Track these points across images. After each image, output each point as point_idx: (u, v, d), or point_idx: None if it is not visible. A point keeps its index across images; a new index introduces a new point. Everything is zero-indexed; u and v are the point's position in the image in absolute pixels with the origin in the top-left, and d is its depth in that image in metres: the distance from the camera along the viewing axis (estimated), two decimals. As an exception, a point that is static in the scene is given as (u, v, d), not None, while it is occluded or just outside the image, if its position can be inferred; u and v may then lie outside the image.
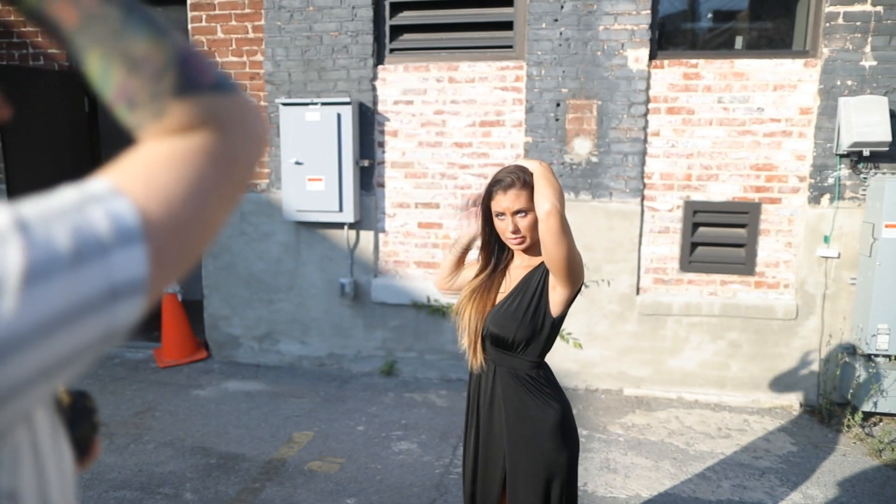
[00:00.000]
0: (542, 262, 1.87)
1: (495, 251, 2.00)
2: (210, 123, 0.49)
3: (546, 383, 1.92)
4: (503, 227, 1.87)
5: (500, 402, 1.92)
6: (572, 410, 1.96)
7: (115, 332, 0.44)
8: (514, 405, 1.89)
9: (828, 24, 3.84)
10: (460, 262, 2.12)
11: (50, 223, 0.41)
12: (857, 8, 3.80)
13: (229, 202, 0.51)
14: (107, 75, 0.47)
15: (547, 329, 1.87)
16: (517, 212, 1.83)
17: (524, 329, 1.85)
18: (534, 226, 1.83)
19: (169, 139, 0.48)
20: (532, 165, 1.81)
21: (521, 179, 1.83)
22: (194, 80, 0.49)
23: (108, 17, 0.47)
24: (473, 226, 2.05)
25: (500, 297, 1.95)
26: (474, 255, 2.11)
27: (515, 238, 1.87)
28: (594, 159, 4.17)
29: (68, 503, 0.54)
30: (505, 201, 1.83)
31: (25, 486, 0.47)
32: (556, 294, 1.83)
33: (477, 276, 2.03)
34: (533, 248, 1.92)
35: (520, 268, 1.96)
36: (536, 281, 1.87)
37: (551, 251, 1.71)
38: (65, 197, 0.43)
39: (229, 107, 0.50)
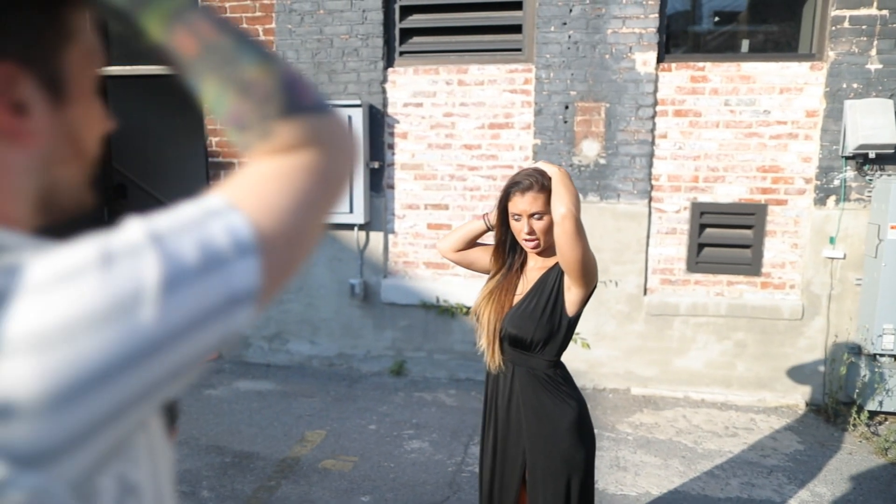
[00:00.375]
0: (557, 263, 1.91)
1: (509, 252, 2.04)
2: (312, 142, 0.53)
3: (563, 381, 1.97)
4: (518, 227, 1.92)
5: (519, 401, 1.96)
6: (588, 409, 2.01)
7: (229, 339, 0.49)
8: (533, 404, 1.94)
9: (834, 28, 3.89)
10: (473, 242, 2.13)
11: (178, 236, 0.45)
12: (863, 12, 3.84)
13: (327, 215, 0.55)
14: (221, 100, 0.52)
15: (564, 329, 1.92)
16: (533, 214, 1.88)
17: (542, 329, 1.89)
18: (548, 229, 1.88)
19: (275, 158, 0.52)
20: (551, 170, 1.85)
21: (538, 182, 1.87)
22: (298, 102, 0.53)
23: (222, 46, 0.52)
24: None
25: (517, 298, 1.99)
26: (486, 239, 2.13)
27: (530, 240, 1.91)
28: (602, 161, 4.21)
29: (173, 494, 0.58)
30: (522, 203, 1.88)
31: (145, 480, 0.51)
32: (571, 294, 1.88)
33: (493, 276, 2.07)
34: (547, 251, 1.96)
35: (535, 269, 2.00)
36: (552, 282, 1.92)
37: (566, 254, 1.76)
38: (187, 212, 0.48)
39: (328, 126, 0.54)
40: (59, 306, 0.41)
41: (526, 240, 1.92)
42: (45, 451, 0.40)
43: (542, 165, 1.91)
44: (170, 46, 0.51)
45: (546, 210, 1.86)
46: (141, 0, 0.50)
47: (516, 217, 1.91)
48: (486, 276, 2.12)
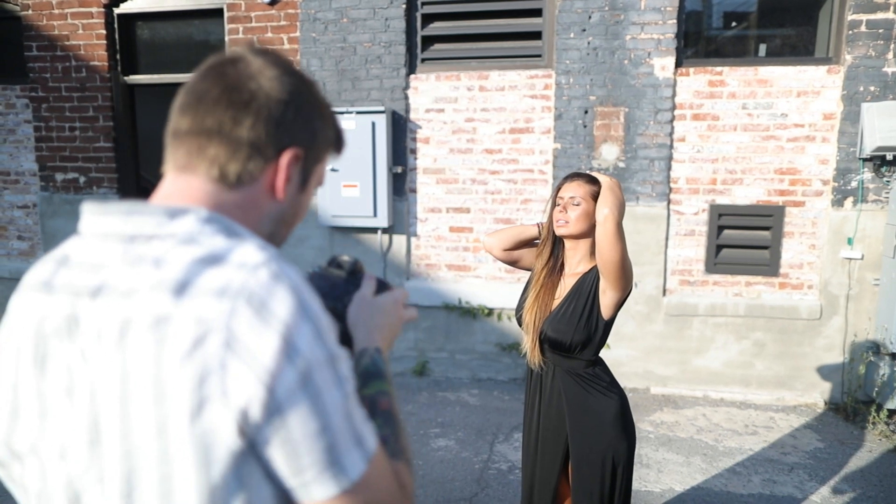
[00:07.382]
0: (592, 269, 2.01)
1: (555, 245, 2.14)
2: (404, 479, 0.74)
3: (604, 375, 2.06)
4: (556, 210, 2.05)
5: (562, 399, 2.04)
6: (628, 401, 2.10)
7: None
8: (576, 401, 2.02)
9: (850, 32, 3.95)
10: (522, 244, 2.25)
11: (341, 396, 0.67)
12: (879, 16, 3.90)
13: None
14: (380, 391, 0.81)
15: (601, 331, 2.00)
16: (573, 198, 2.01)
17: (580, 333, 1.98)
18: (581, 218, 2.00)
19: (385, 465, 0.71)
20: (603, 179, 1.96)
21: (587, 176, 2.03)
22: (408, 455, 0.79)
23: (396, 415, 0.80)
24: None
25: (556, 302, 2.09)
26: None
27: (559, 219, 2.03)
28: (621, 165, 4.29)
29: None
30: (567, 190, 2.03)
31: None
32: (606, 298, 1.96)
33: (536, 275, 2.14)
34: (576, 250, 2.06)
35: (570, 276, 2.09)
36: (588, 286, 2.01)
37: (605, 254, 1.85)
38: (358, 410, 0.70)
39: (411, 483, 0.76)
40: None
41: (557, 218, 2.03)
42: None
43: (595, 174, 2.04)
44: (372, 401, 0.79)
45: (586, 199, 1.99)
46: (368, 378, 0.81)
47: (559, 202, 2.04)
48: (521, 276, 2.22)
